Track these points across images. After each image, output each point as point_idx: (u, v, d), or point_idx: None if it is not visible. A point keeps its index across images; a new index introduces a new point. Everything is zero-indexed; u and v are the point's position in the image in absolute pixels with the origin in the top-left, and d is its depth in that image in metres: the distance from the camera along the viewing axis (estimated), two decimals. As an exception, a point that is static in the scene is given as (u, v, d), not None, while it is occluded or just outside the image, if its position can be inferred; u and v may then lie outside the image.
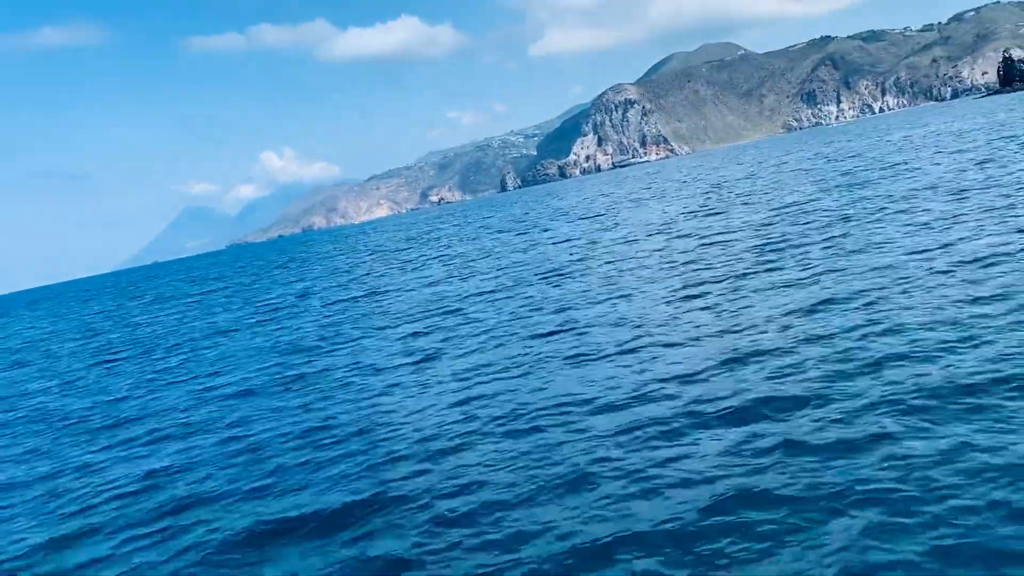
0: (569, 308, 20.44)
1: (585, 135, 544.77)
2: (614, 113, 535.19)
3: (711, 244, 27.59)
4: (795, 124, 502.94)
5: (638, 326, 16.48)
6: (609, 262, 28.49)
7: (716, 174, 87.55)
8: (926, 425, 8.69)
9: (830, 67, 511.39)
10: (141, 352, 30.71)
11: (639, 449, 9.52)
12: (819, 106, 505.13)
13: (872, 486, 7.56)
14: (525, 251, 40.29)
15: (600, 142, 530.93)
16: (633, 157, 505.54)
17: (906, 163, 44.86)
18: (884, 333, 12.28)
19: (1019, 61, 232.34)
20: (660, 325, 16.16)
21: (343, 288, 39.94)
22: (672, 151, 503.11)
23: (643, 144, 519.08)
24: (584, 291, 22.90)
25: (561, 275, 27.62)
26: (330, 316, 28.98)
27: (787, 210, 33.33)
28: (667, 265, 24.73)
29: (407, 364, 17.34)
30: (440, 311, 24.65)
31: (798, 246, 22.93)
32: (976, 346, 10.83)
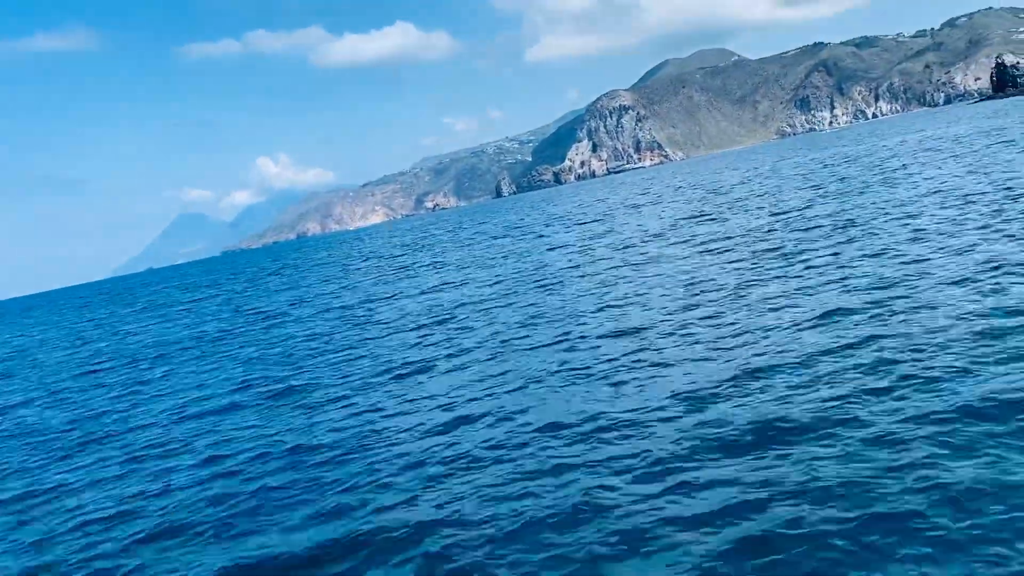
0: (565, 319, 19.81)
1: (580, 141, 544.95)
2: (609, 119, 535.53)
3: (709, 252, 27.02)
4: (789, 130, 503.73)
5: (636, 338, 15.86)
6: (605, 270, 27.89)
7: (712, 180, 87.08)
8: (960, 447, 8.07)
9: (823, 73, 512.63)
10: (127, 363, 30.01)
11: (641, 479, 8.86)
12: (813, 112, 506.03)
13: (907, 523, 6.93)
14: (520, 258, 39.68)
15: (595, 148, 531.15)
16: (628, 163, 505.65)
17: (905, 168, 44.41)
18: (899, 349, 11.64)
19: (1012, 67, 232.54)
20: (660, 337, 15.54)
21: (335, 296, 39.27)
22: (667, 157, 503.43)
23: (638, 150, 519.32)
24: (580, 301, 22.29)
25: (556, 283, 27.01)
26: (320, 326, 28.31)
27: (786, 216, 32.79)
28: (665, 273, 24.14)
29: (396, 378, 16.69)
30: (432, 321, 24.01)
31: (801, 253, 22.34)
32: (997, 363, 10.23)
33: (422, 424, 12.66)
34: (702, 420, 10.34)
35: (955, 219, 22.49)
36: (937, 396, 9.53)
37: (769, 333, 14.11)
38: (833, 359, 11.83)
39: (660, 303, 19.30)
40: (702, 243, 29.78)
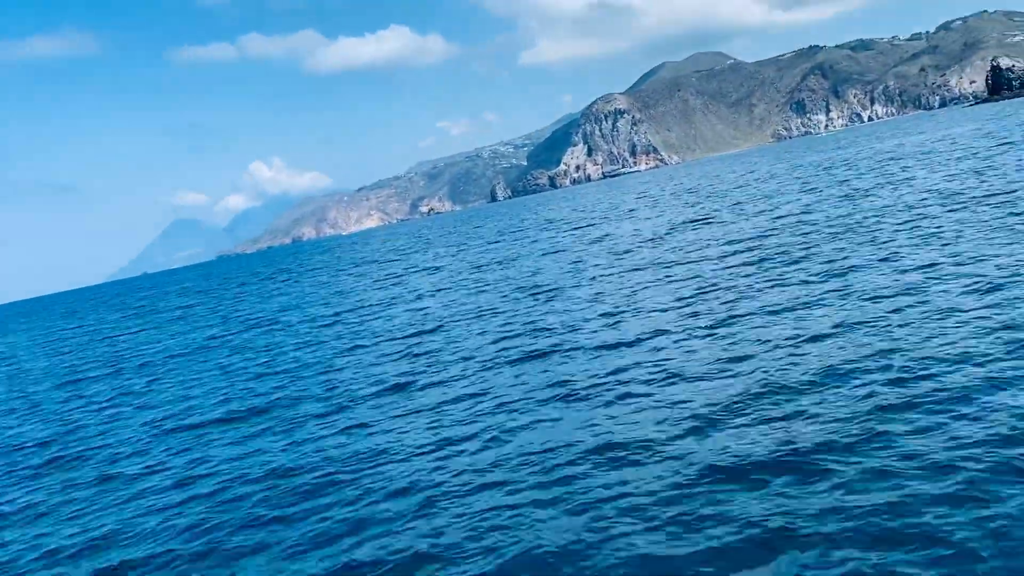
0: (558, 329, 19.10)
1: (575, 145, 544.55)
2: (604, 123, 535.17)
3: (708, 258, 26.35)
4: (785, 133, 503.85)
5: (633, 351, 15.16)
6: (601, 276, 27.22)
7: (708, 183, 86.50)
8: (1001, 472, 7.37)
9: (819, 76, 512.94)
10: (111, 372, 29.27)
11: (644, 507, 8.14)
12: (808, 115, 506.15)
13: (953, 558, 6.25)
14: (513, 264, 39.00)
15: (590, 152, 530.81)
16: (623, 167, 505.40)
17: (905, 171, 43.81)
18: (914, 362, 10.96)
19: (1007, 70, 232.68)
20: (658, 350, 14.82)
21: (325, 304, 38.54)
22: (662, 161, 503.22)
23: (633, 154, 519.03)
24: (575, 310, 21.60)
25: (550, 291, 26.32)
26: (308, 334, 27.57)
27: (786, 220, 32.14)
28: (663, 280, 23.46)
29: (383, 393, 15.94)
30: (422, 331, 23.27)
31: (802, 260, 21.66)
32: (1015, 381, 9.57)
33: (410, 444, 11.91)
34: (707, 442, 9.62)
35: (964, 222, 21.83)
36: (966, 416, 8.83)
37: (774, 345, 13.41)
38: (844, 374, 11.12)
39: (657, 313, 18.62)
40: (700, 249, 29.13)
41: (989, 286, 14.18)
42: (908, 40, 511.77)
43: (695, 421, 10.37)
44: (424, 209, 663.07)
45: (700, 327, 16.00)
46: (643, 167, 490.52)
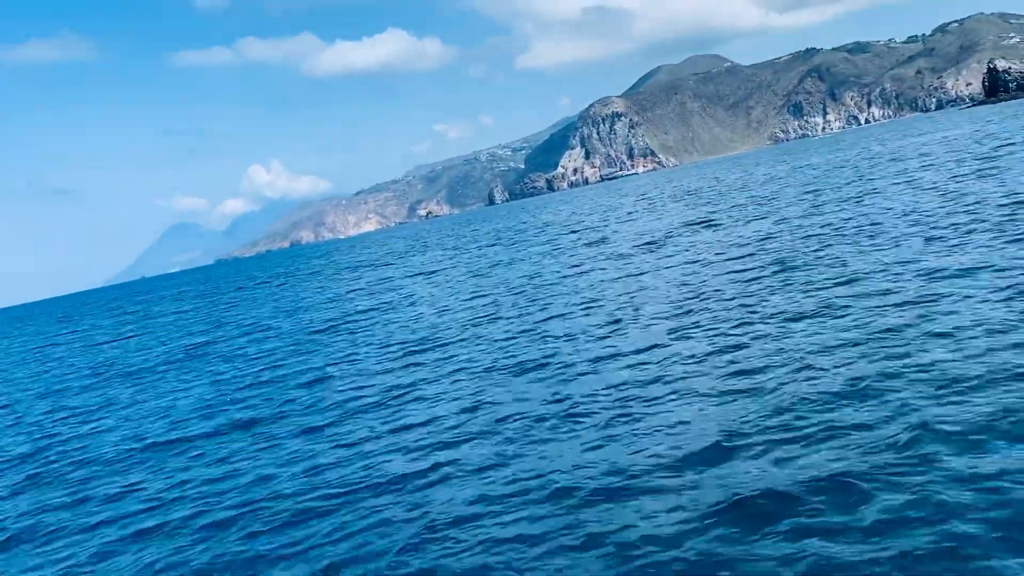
0: (557, 340, 18.37)
1: (572, 148, 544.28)
2: (601, 126, 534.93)
3: (708, 263, 25.66)
4: (782, 136, 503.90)
5: (634, 364, 14.44)
6: (600, 282, 26.52)
7: (707, 185, 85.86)
8: None
9: (816, 79, 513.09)
10: (99, 381, 28.54)
11: (646, 554, 7.33)
12: (806, 118, 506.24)
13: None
14: (510, 268, 38.30)
15: (588, 155, 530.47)
16: (621, 170, 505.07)
17: (906, 172, 43.13)
18: (937, 377, 10.23)
19: (1004, 72, 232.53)
20: (663, 363, 14.09)
21: (319, 310, 37.82)
22: (660, 163, 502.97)
23: (631, 157, 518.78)
24: (574, 319, 20.88)
25: (548, 297, 25.61)
26: (300, 343, 26.83)
27: (788, 224, 31.45)
28: (662, 287, 22.76)
29: (373, 407, 15.18)
30: (414, 339, 22.52)
31: (810, 265, 20.95)
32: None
33: (399, 466, 11.14)
34: (722, 468, 8.79)
35: (977, 225, 21.12)
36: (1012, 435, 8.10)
37: (788, 357, 12.69)
38: (867, 389, 10.34)
39: (660, 321, 17.90)
40: (700, 253, 28.45)
41: (1018, 293, 13.46)
42: (904, 43, 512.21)
43: (707, 444, 9.53)
44: (422, 212, 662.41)
45: (706, 338, 15.28)
46: (641, 170, 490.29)
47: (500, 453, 10.82)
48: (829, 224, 28.45)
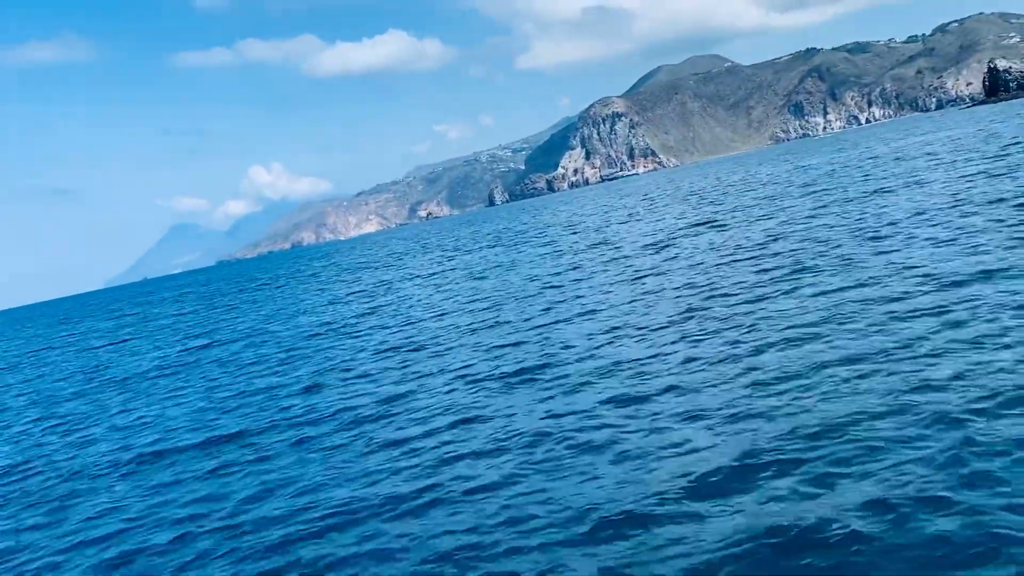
0: (557, 346, 17.78)
1: (573, 149, 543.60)
2: (602, 126, 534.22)
3: (713, 265, 25.05)
4: (783, 136, 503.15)
5: (639, 378, 13.84)
6: (603, 286, 25.93)
7: (709, 185, 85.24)
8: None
9: (816, 79, 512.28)
10: (91, 387, 28.01)
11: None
12: (806, 117, 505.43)
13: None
14: (510, 271, 37.72)
15: (588, 155, 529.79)
16: (621, 170, 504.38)
17: (913, 173, 42.49)
18: (978, 392, 9.61)
19: (1004, 71, 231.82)
20: (663, 376, 13.48)
21: (318, 313, 37.26)
22: (660, 164, 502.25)
23: (631, 157, 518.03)
24: (575, 324, 20.28)
25: (548, 301, 25.02)
26: (297, 349, 26.20)
27: (792, 225, 30.84)
28: (665, 291, 22.16)
29: (366, 419, 14.54)
30: (409, 346, 21.87)
31: (820, 269, 20.30)
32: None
33: (391, 488, 10.44)
34: (740, 502, 8.00)
35: (993, 228, 20.47)
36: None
37: (801, 369, 12.08)
38: (895, 407, 9.63)
39: (663, 329, 17.30)
40: (705, 255, 27.85)
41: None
42: (904, 43, 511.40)
43: (724, 466, 8.83)
44: (423, 213, 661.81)
45: (714, 347, 14.67)
46: (641, 170, 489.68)
47: (500, 474, 10.15)
48: (839, 225, 27.81)
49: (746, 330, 15.23)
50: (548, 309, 23.29)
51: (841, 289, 17.07)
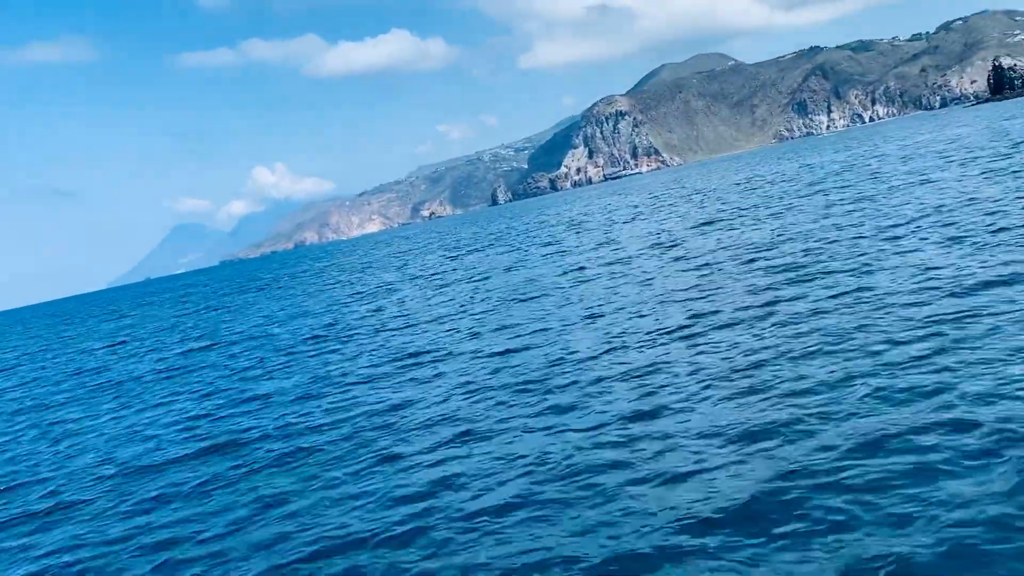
0: (560, 353, 17.10)
1: (576, 147, 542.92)
2: (605, 125, 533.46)
3: (722, 265, 24.33)
4: (787, 134, 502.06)
5: (643, 388, 13.15)
6: (607, 288, 25.22)
7: (713, 184, 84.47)
8: None
9: (820, 77, 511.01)
10: (84, 392, 27.41)
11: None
12: (810, 116, 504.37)
13: None
14: (512, 272, 37.03)
15: (591, 154, 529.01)
16: (624, 169, 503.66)
17: (922, 172, 41.73)
18: (979, 406, 8.93)
19: (1009, 69, 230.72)
20: (667, 384, 12.81)
21: (318, 315, 36.61)
22: (664, 162, 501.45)
23: (634, 156, 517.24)
24: (581, 328, 19.59)
25: (552, 304, 24.32)
26: (296, 354, 25.50)
27: (797, 226, 30.11)
28: (671, 295, 21.43)
29: (362, 430, 13.84)
30: (409, 352, 21.20)
31: (831, 271, 19.58)
32: None
33: (384, 514, 9.71)
34: (756, 554, 7.43)
35: (991, 229, 19.78)
36: None
37: (821, 381, 11.39)
38: (932, 424, 8.97)
39: (671, 334, 16.60)
40: (711, 255, 27.11)
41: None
42: (908, 41, 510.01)
43: (743, 492, 8.15)
44: (425, 213, 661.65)
45: (725, 355, 13.98)
46: (645, 169, 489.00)
47: (498, 499, 9.46)
48: (850, 225, 27.08)
49: (758, 336, 14.53)
50: (551, 313, 22.60)
51: (859, 290, 16.37)
